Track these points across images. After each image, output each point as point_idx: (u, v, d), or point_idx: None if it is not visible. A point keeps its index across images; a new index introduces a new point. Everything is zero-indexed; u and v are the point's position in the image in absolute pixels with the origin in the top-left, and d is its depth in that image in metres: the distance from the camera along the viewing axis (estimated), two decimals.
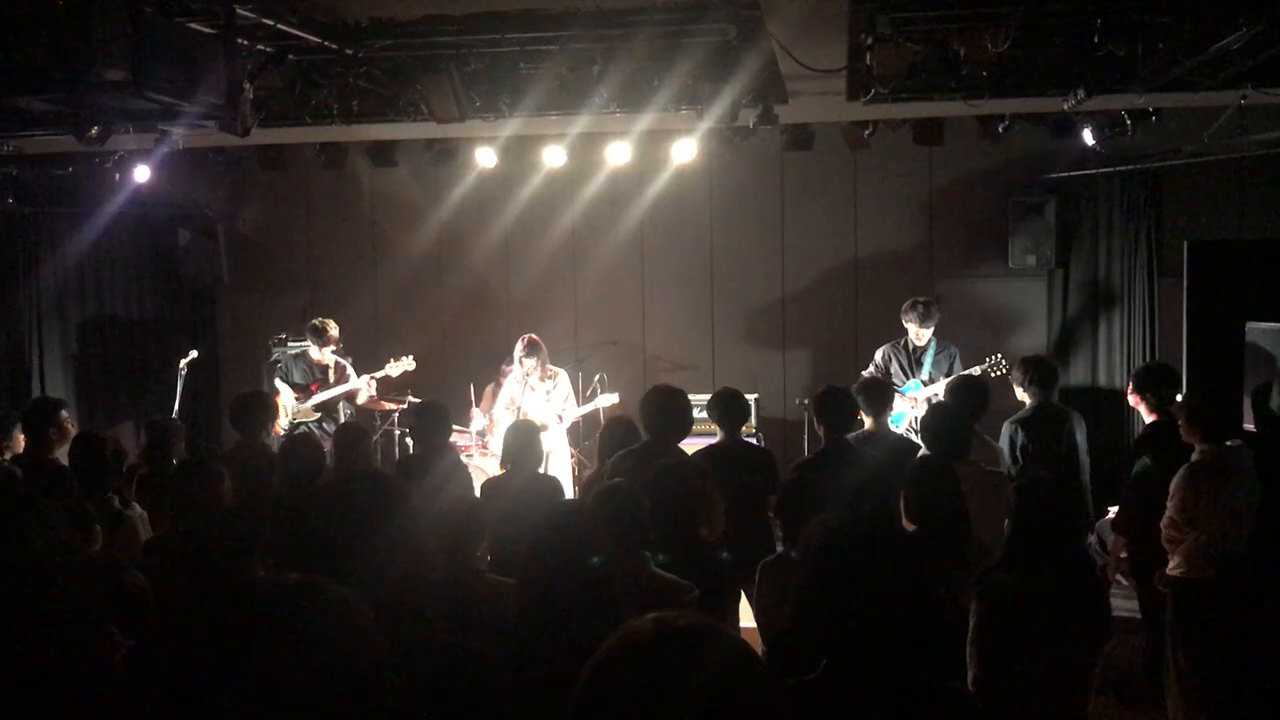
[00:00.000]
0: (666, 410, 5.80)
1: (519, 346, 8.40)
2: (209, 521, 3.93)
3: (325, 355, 8.95)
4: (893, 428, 8.00)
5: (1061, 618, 3.74)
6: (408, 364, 9.12)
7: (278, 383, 8.94)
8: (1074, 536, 4.10)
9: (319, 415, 8.77)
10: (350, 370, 9.01)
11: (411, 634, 2.94)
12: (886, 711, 2.36)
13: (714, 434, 6.43)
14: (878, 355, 8.46)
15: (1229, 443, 5.47)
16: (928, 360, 8.26)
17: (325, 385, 8.87)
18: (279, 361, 9.23)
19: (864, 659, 2.37)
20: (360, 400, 9.00)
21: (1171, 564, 5.45)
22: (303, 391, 8.84)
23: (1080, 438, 6.70)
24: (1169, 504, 5.39)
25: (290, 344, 9.92)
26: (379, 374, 9.06)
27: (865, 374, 8.21)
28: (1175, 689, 5.52)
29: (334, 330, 8.92)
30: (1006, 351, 8.42)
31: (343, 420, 8.94)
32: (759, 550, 4.93)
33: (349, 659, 1.72)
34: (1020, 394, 6.81)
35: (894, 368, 8.32)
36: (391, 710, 1.81)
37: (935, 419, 5.71)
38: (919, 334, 8.28)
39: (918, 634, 2.44)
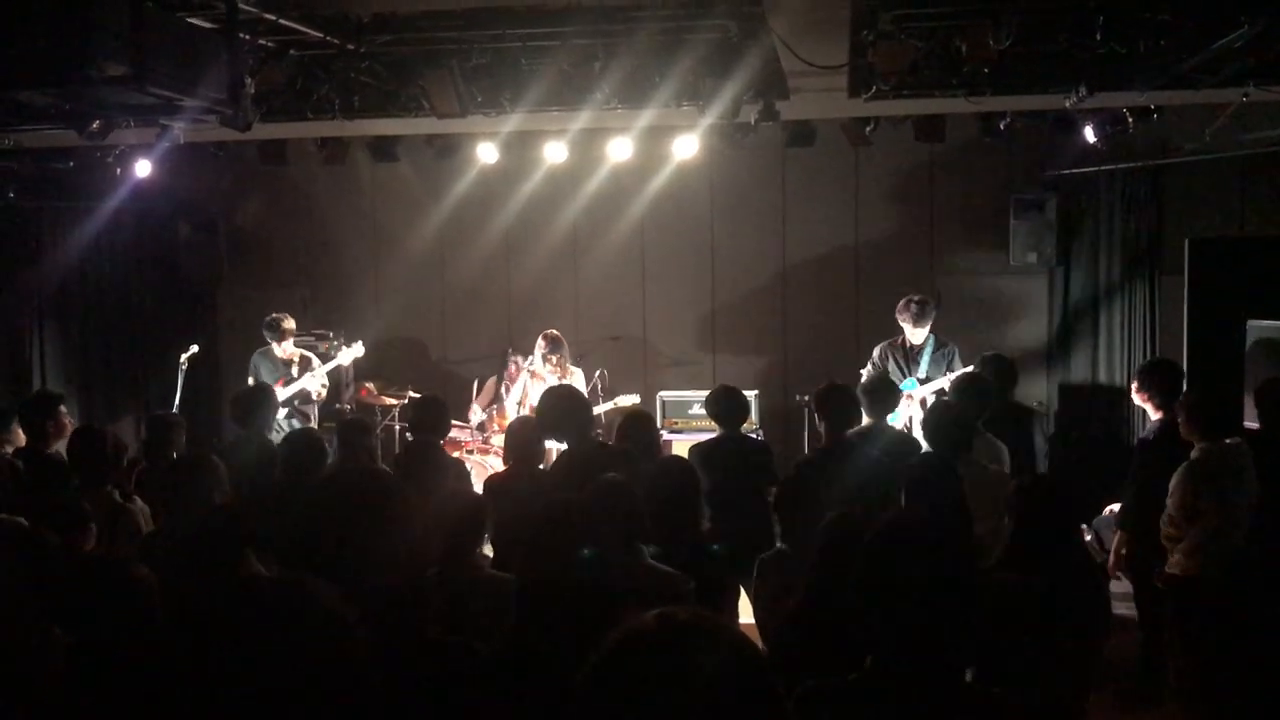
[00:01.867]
0: (576, 411, 5.76)
1: (541, 343, 8.45)
2: (202, 517, 3.92)
3: (288, 350, 8.97)
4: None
5: (1061, 616, 3.74)
6: (357, 350, 9.22)
7: (251, 383, 8.93)
8: (1073, 535, 4.11)
9: (287, 411, 8.74)
10: (315, 362, 9.01)
11: (406, 632, 2.94)
12: (931, 712, 2.35)
13: (712, 429, 6.43)
14: (875, 353, 8.44)
15: (1228, 440, 5.46)
16: (925, 359, 8.23)
17: (291, 381, 8.87)
18: (253, 364, 9.20)
19: (913, 659, 2.36)
20: (315, 395, 8.99)
21: (1170, 561, 5.45)
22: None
23: (1038, 439, 6.67)
24: (1168, 501, 5.40)
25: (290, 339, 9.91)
26: (329, 366, 9.09)
27: (864, 373, 8.20)
28: (1174, 686, 5.52)
29: (289, 324, 8.96)
30: (1006, 349, 8.42)
31: (312, 417, 8.96)
32: (757, 546, 4.92)
33: (329, 657, 1.72)
34: None
35: (891, 366, 8.29)
36: (380, 709, 1.81)
37: (937, 416, 5.71)
38: (913, 332, 8.25)
39: (963, 635, 2.44)
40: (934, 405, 6.64)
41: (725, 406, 6.18)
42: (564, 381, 8.48)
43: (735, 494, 5.70)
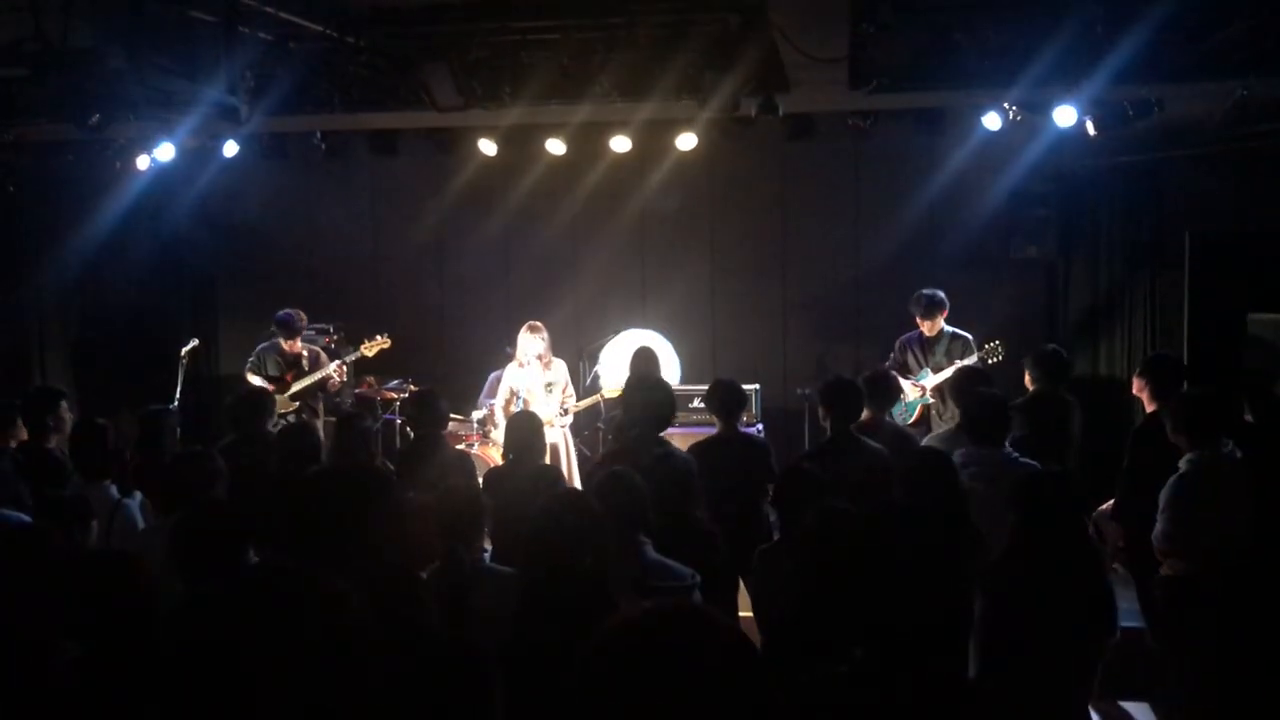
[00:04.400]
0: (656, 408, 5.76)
1: (525, 333, 8.44)
2: (203, 511, 3.93)
3: (297, 344, 8.96)
4: (901, 415, 8.21)
5: (1067, 611, 3.73)
6: (382, 342, 9.17)
7: (251, 377, 8.91)
8: (1078, 528, 4.08)
9: (296, 405, 8.73)
10: (323, 357, 9.01)
11: (407, 626, 2.94)
12: (918, 705, 2.34)
13: (711, 424, 6.44)
14: (896, 345, 8.62)
15: (1218, 447, 5.34)
16: (939, 350, 8.34)
17: (301, 375, 8.85)
18: (251, 356, 9.18)
19: (899, 653, 2.36)
20: (334, 384, 8.98)
21: (1165, 565, 5.40)
22: (278, 383, 8.82)
23: (1074, 429, 6.68)
24: (1160, 519, 5.25)
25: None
26: (352, 356, 9.07)
27: (886, 365, 8.38)
28: (1170, 683, 5.52)
29: (304, 320, 8.95)
30: (1007, 342, 8.42)
31: (320, 409, 8.95)
32: (756, 541, 4.93)
33: (340, 649, 1.73)
34: (1028, 383, 6.84)
35: (909, 357, 8.47)
36: (384, 702, 1.81)
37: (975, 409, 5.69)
38: (925, 325, 8.38)
39: (950, 629, 2.43)
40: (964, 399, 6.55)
41: (723, 400, 6.18)
42: (549, 374, 8.48)
43: (734, 491, 5.70)
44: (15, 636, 3.08)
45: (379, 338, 9.17)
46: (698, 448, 6.06)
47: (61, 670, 3.12)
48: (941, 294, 8.42)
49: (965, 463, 5.36)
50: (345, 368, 8.99)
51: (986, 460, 5.35)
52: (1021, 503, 3.99)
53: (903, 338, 8.60)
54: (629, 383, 6.05)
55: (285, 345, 8.93)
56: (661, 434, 5.71)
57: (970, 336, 8.41)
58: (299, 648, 1.69)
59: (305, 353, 9.01)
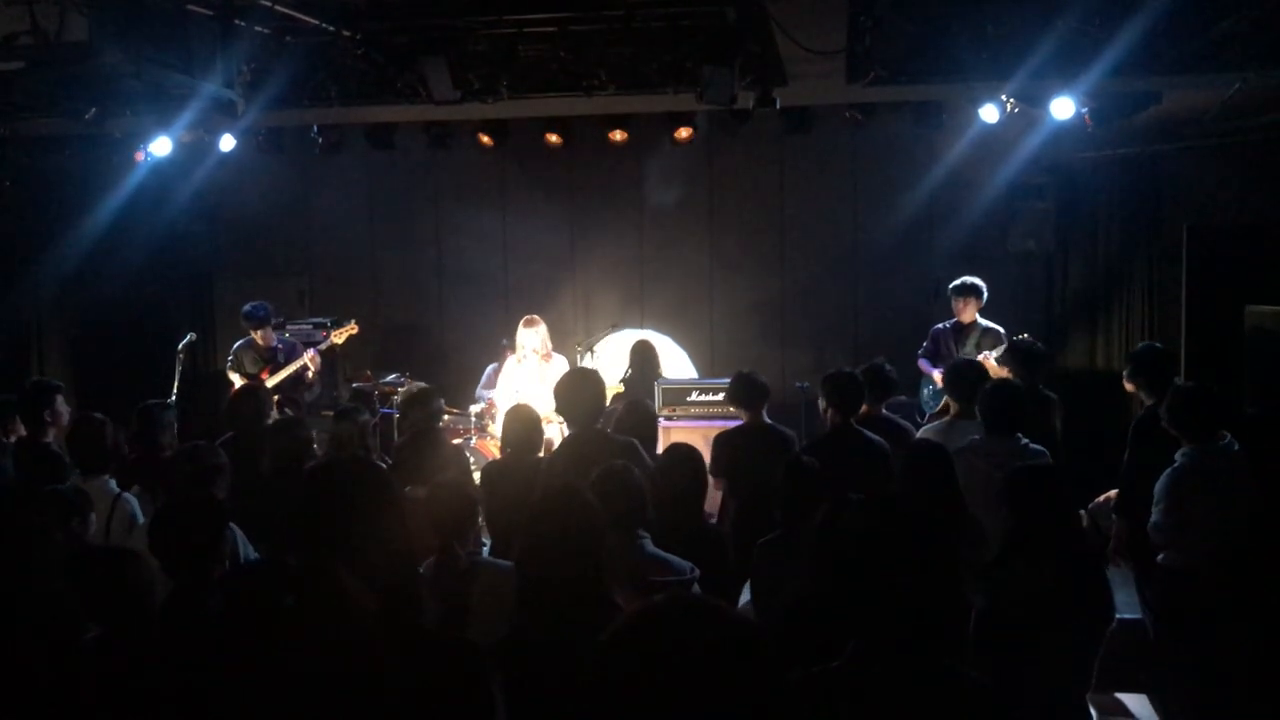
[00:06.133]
0: (584, 395, 5.70)
1: (522, 328, 8.44)
2: (177, 506, 3.92)
3: (270, 336, 8.95)
4: (928, 403, 8.38)
5: (1065, 607, 3.73)
6: (350, 329, 9.22)
7: (231, 375, 8.88)
8: (1071, 523, 4.08)
9: (276, 399, 8.69)
10: (300, 348, 8.97)
11: (406, 623, 2.94)
12: (914, 698, 2.35)
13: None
14: (930, 334, 8.68)
15: (1216, 440, 5.33)
16: (971, 340, 8.37)
17: (277, 369, 8.83)
18: (230, 356, 9.14)
19: (893, 645, 2.35)
20: (310, 375, 8.95)
21: (1162, 555, 5.40)
22: (255, 381, 8.79)
23: (1056, 424, 6.67)
24: (1154, 510, 5.27)
25: (287, 326, 9.90)
26: (324, 345, 9.05)
27: (919, 354, 8.52)
28: (1168, 675, 5.52)
29: (270, 310, 8.95)
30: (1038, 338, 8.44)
31: (305, 403, 8.92)
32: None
33: (347, 643, 1.73)
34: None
35: (941, 347, 8.53)
36: (383, 699, 1.81)
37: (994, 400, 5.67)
38: (955, 308, 8.47)
39: (945, 621, 2.43)
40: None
41: (746, 393, 6.18)
42: (546, 368, 8.47)
43: (758, 481, 5.68)
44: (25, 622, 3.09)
45: (347, 324, 9.19)
46: (724, 437, 6.07)
47: (82, 649, 3.13)
48: (975, 281, 8.47)
49: (977, 449, 5.38)
50: (319, 358, 8.94)
51: (1000, 449, 5.33)
52: (1013, 498, 3.99)
53: (936, 327, 8.65)
54: (557, 386, 5.93)
55: (259, 340, 8.90)
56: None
57: (1002, 330, 8.42)
58: (300, 645, 1.69)
59: (280, 346, 8.98)
